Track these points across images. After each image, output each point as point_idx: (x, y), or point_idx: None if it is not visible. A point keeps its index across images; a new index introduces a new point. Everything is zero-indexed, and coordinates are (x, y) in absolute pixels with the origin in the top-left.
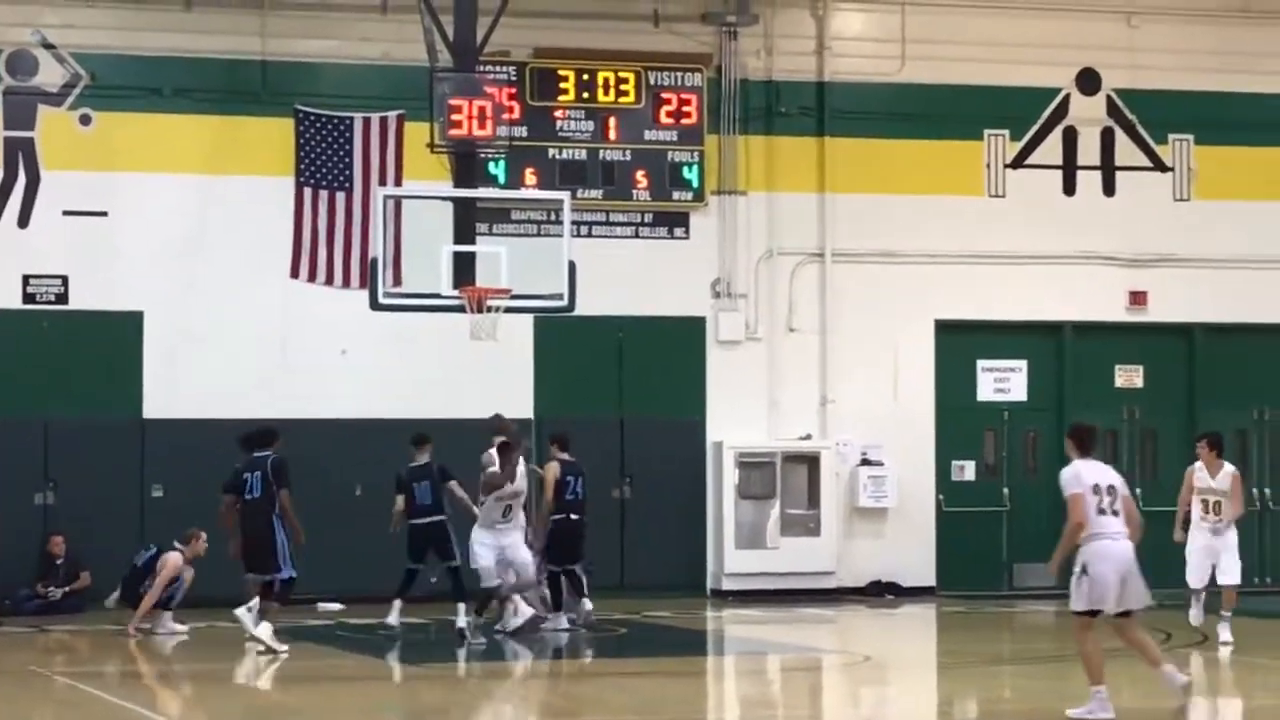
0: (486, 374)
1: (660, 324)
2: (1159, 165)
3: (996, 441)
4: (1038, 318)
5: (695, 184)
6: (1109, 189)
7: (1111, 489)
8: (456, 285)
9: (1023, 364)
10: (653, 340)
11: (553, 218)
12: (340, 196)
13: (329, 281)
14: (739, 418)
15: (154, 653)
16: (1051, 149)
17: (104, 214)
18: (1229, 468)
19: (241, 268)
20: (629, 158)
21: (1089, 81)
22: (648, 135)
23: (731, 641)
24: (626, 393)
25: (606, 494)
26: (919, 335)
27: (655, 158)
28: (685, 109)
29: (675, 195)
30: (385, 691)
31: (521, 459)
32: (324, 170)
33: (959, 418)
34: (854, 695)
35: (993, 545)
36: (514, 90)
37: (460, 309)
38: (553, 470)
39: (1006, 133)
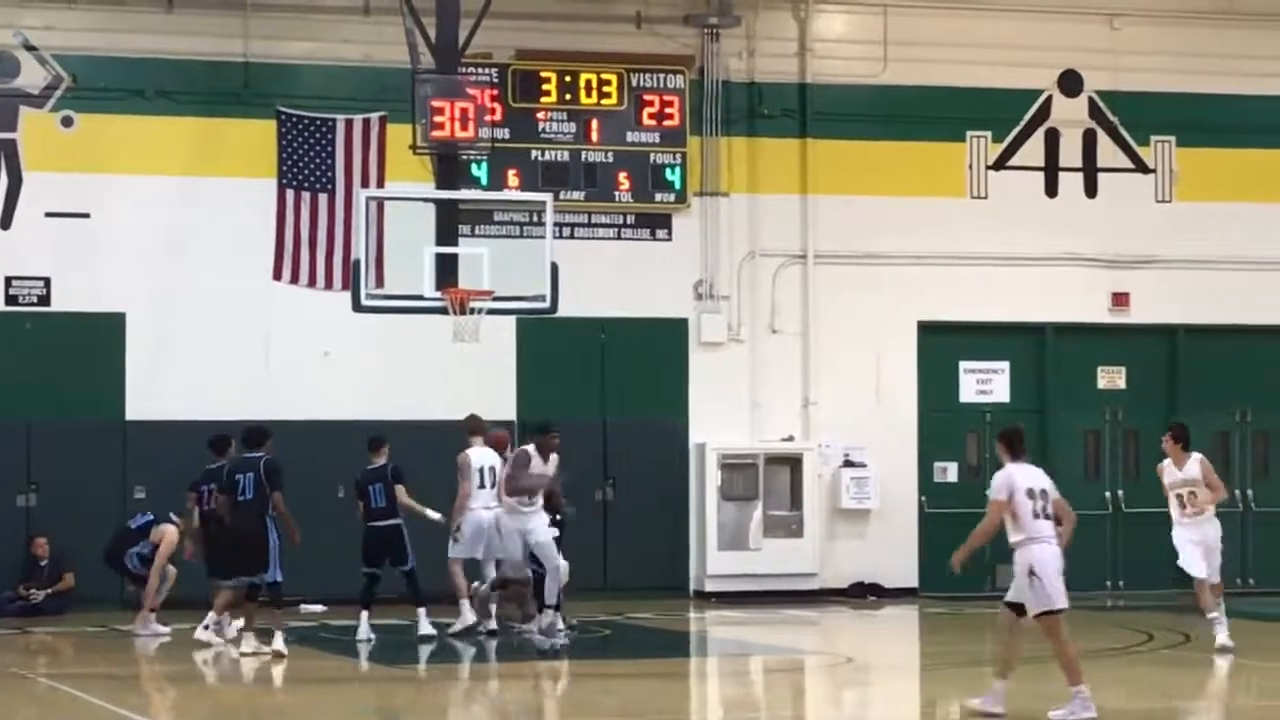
0: (469, 376)
1: (643, 326)
2: (1141, 167)
3: (979, 443)
4: (1020, 319)
5: (677, 185)
6: (1091, 190)
7: (1044, 492)
8: (439, 287)
9: (1005, 365)
10: (635, 342)
11: (535, 219)
12: (323, 198)
13: (311, 283)
14: (722, 419)
15: (137, 654)
16: (1033, 151)
17: (86, 215)
18: (1195, 456)
19: (224, 269)
20: (611, 159)
21: (1071, 83)
22: (630, 137)
23: (714, 643)
24: (609, 394)
25: (589, 496)
26: (901, 337)
27: (637, 159)
28: (667, 111)
29: (657, 197)
30: (367, 693)
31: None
32: (306, 172)
33: (941, 419)
34: (836, 697)
35: None
36: (496, 92)
37: (443, 310)
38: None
39: (988, 134)
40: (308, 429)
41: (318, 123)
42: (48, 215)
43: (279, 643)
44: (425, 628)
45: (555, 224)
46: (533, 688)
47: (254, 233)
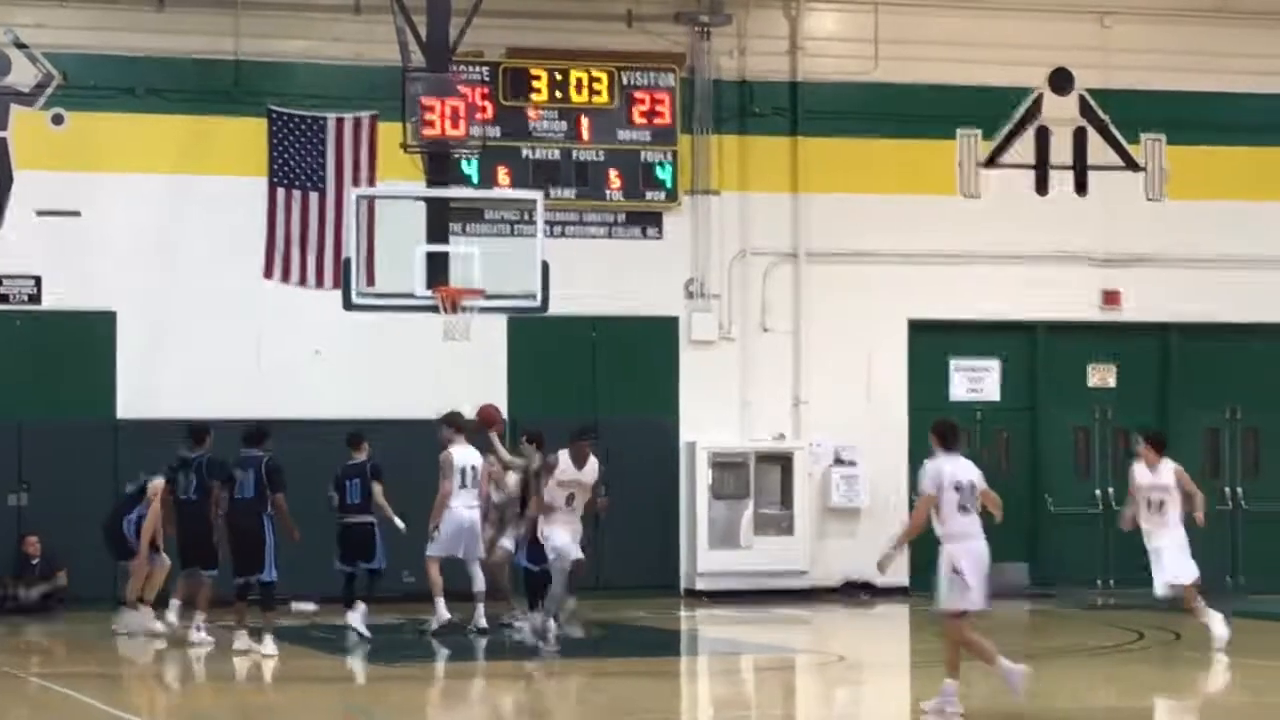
0: (460, 374)
1: (633, 324)
2: (1132, 165)
3: (970, 441)
4: (1011, 317)
5: (668, 184)
6: (1082, 188)
7: (972, 486)
8: (430, 285)
9: (996, 363)
10: (626, 340)
11: (526, 218)
12: (313, 196)
13: (302, 281)
14: (712, 418)
15: (128, 652)
16: (1024, 148)
17: (77, 214)
18: (1169, 463)
19: (215, 268)
20: (602, 158)
21: (1062, 81)
22: (621, 135)
23: (705, 641)
24: (600, 393)
25: None
26: (892, 335)
27: (628, 158)
28: (658, 109)
29: (648, 195)
30: (359, 692)
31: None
32: (297, 170)
33: (932, 417)
34: (827, 695)
35: None
36: (487, 90)
37: (434, 309)
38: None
39: (979, 132)
40: (299, 427)
41: (308, 121)
42: (38, 214)
43: (269, 645)
44: (357, 623)
45: (546, 222)
46: (524, 687)
47: (245, 231)
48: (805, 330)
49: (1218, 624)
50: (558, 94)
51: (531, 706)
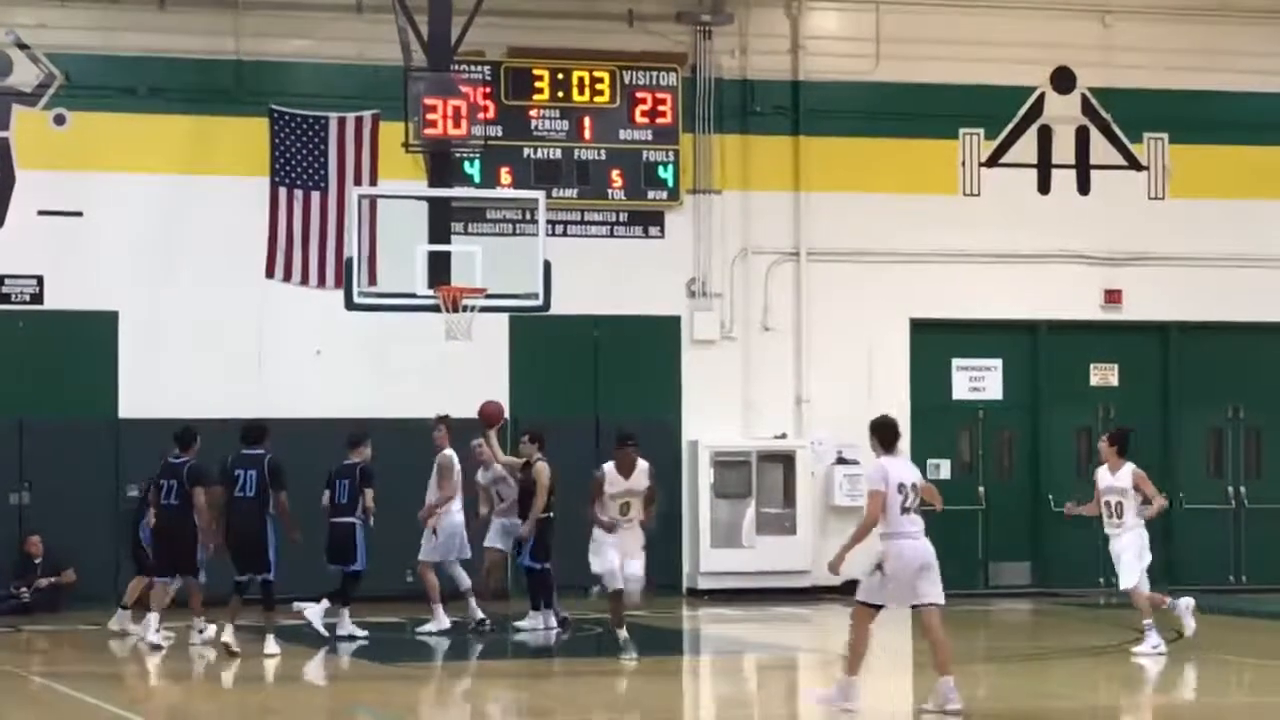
0: (461, 374)
1: (635, 323)
2: (1134, 164)
3: (972, 440)
4: (1013, 316)
5: (670, 183)
6: (1084, 187)
7: (914, 486)
8: (432, 285)
9: (998, 363)
10: (628, 340)
11: (528, 217)
12: (315, 196)
13: (304, 281)
14: (714, 417)
15: (130, 653)
16: (1026, 148)
17: (79, 214)
18: (1129, 466)
19: (216, 267)
20: (604, 157)
21: (1064, 80)
22: (622, 134)
23: (708, 640)
24: (602, 392)
25: (583, 494)
26: (894, 334)
27: (630, 157)
28: (660, 108)
29: (650, 194)
30: (360, 691)
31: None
32: (299, 170)
33: (934, 417)
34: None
35: (968, 544)
36: (489, 89)
37: (435, 309)
38: (546, 470)
39: (981, 131)
40: (300, 427)
41: (310, 120)
42: (40, 213)
43: (271, 644)
44: (315, 620)
45: (548, 222)
46: (525, 686)
47: (246, 231)
48: (807, 329)
49: (1152, 638)
50: (559, 93)
51: (536, 705)
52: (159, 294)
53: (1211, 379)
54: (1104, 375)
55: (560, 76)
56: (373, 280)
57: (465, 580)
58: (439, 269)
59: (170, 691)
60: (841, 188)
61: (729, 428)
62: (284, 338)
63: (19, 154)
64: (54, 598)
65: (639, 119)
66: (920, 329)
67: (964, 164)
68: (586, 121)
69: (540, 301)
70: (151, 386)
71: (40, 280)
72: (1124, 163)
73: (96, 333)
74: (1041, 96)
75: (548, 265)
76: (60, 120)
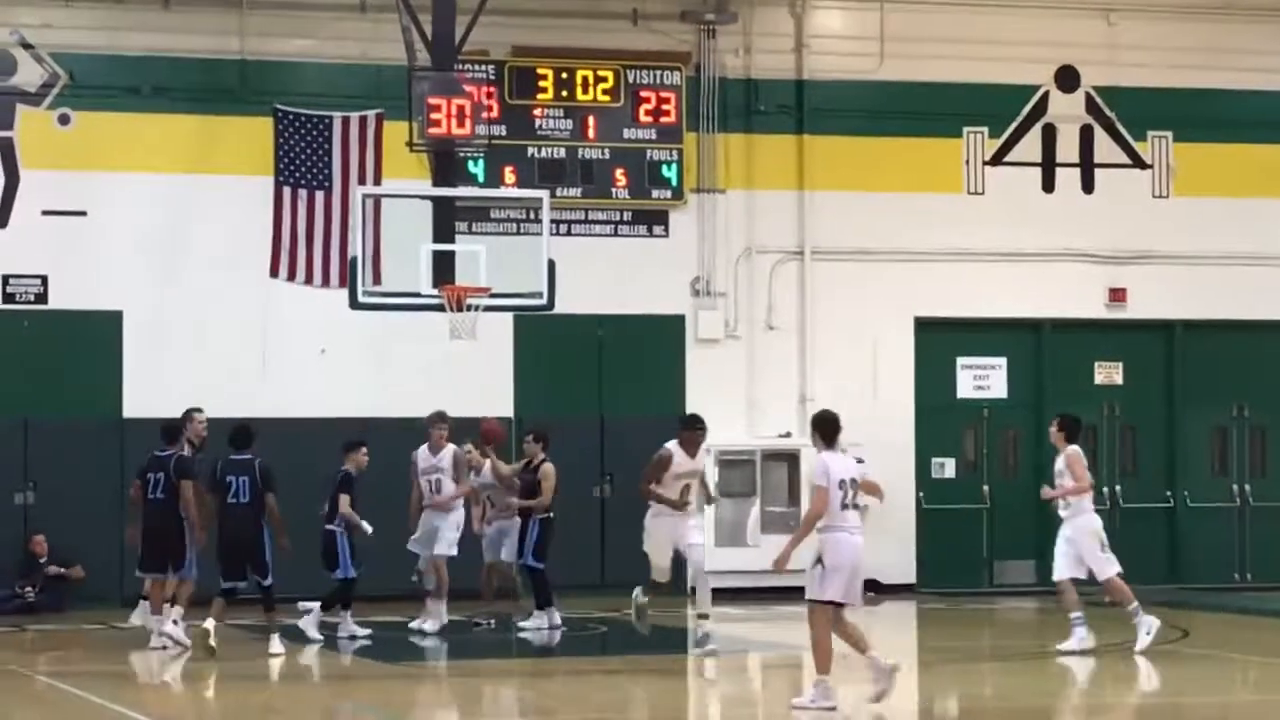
0: (466, 373)
1: (640, 322)
2: (1138, 162)
3: (976, 439)
4: (1017, 315)
5: (674, 182)
6: (1088, 186)
7: (854, 482)
8: (436, 284)
9: (1002, 361)
10: (632, 339)
11: (532, 216)
12: (319, 195)
13: (308, 280)
14: (719, 416)
15: (135, 652)
16: (1030, 146)
17: (83, 213)
18: (1071, 449)
19: (221, 267)
20: (608, 156)
21: (1068, 78)
22: (626, 134)
23: (711, 639)
24: (606, 391)
25: (587, 492)
26: (898, 333)
27: (634, 156)
28: (664, 107)
29: (654, 193)
30: (363, 690)
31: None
32: (303, 169)
33: (939, 415)
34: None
35: (973, 542)
36: (493, 89)
37: (440, 308)
38: (553, 470)
39: (985, 130)
40: (304, 426)
41: (314, 120)
42: (45, 213)
43: (276, 644)
44: (309, 629)
45: (552, 221)
46: (529, 684)
47: (251, 230)
48: (811, 328)
49: (1079, 632)
50: (564, 93)
51: (539, 704)
52: (163, 293)
53: (1216, 377)
54: (1109, 374)
55: (564, 76)
56: (377, 280)
57: (432, 583)
58: (443, 268)
59: (174, 691)
60: (846, 186)
61: (733, 426)
62: (288, 337)
63: (23, 154)
64: (59, 597)
65: (643, 118)
66: (925, 328)
67: (968, 163)
68: (591, 121)
69: (544, 301)
70: (156, 386)
71: (45, 280)
72: (1128, 161)
73: (101, 332)
74: (1046, 95)
75: (552, 264)
76: (65, 120)
